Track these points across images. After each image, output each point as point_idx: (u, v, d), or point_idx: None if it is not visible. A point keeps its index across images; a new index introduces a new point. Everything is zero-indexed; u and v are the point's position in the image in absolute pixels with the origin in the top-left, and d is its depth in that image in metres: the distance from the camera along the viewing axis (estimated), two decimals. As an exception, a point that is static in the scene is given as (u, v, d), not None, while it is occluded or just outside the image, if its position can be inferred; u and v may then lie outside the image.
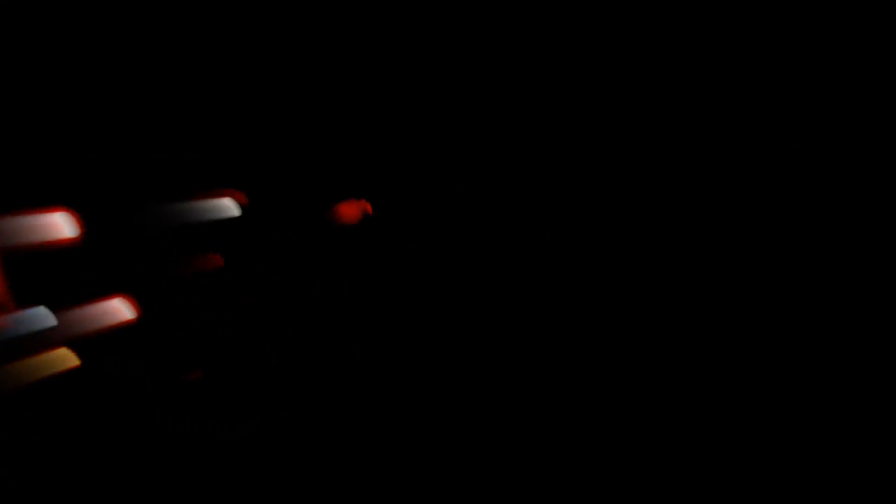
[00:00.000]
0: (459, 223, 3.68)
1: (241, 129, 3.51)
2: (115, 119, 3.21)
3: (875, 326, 3.26)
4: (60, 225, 2.78)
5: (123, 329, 2.98)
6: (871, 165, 3.30)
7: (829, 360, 3.28)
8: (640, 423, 3.35)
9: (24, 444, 2.74)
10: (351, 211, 3.55)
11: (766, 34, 3.38)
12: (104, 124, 3.21)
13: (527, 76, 3.64)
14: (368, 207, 3.58)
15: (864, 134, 3.31)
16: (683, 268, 3.54)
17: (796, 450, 3.15)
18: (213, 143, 3.46)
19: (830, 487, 3.04)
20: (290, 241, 3.52)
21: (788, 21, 3.34)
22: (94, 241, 2.89)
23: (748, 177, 3.48)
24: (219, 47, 3.42)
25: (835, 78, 3.33)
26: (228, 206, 3.36)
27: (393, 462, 3.29)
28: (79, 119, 3.10)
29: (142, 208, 3.12)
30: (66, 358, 2.78)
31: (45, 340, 2.70)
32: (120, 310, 2.98)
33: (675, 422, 3.32)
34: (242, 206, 3.37)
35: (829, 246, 3.36)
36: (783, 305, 3.39)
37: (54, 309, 2.75)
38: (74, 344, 2.82)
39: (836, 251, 3.35)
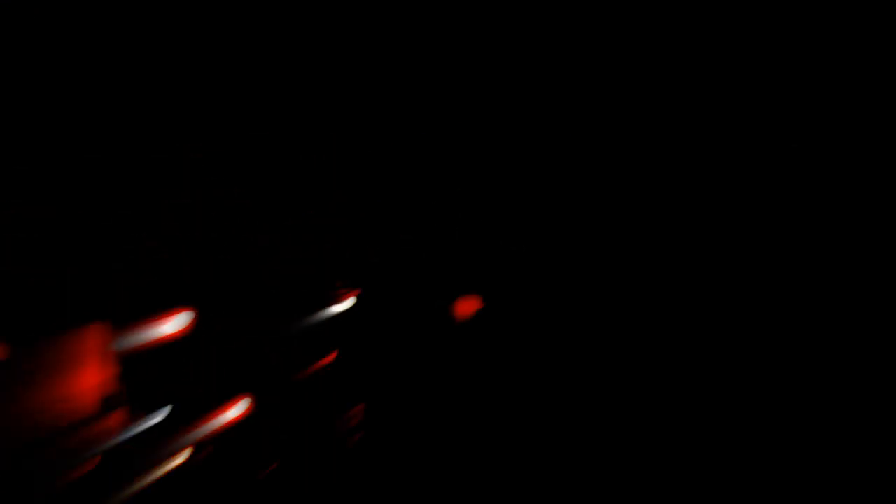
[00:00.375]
0: (423, 236, 3.71)
1: (241, 130, 3.50)
2: (112, 120, 3.20)
3: (874, 325, 3.28)
4: (175, 325, 2.90)
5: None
6: (871, 165, 3.32)
7: (829, 359, 3.30)
8: (630, 425, 3.38)
9: None
10: (467, 307, 3.70)
11: (766, 35, 3.39)
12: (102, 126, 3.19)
13: (488, 92, 3.67)
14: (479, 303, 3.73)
15: (864, 134, 3.32)
16: (678, 269, 3.55)
17: (797, 449, 3.17)
18: (213, 144, 3.45)
19: (830, 487, 3.06)
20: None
21: (788, 21, 3.35)
22: (210, 340, 3.00)
23: (748, 177, 3.49)
24: (219, 48, 3.41)
25: (835, 78, 3.34)
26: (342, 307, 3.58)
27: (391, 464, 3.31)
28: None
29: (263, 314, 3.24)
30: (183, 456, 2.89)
31: (164, 442, 2.80)
32: (236, 409, 3.11)
33: (676, 422, 3.34)
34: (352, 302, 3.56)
35: (829, 245, 3.38)
36: (783, 304, 3.41)
37: (173, 411, 2.85)
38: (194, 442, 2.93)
39: (835, 250, 3.37)
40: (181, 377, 3.04)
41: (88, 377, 2.58)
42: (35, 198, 2.93)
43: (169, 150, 3.33)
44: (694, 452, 3.25)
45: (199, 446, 3.00)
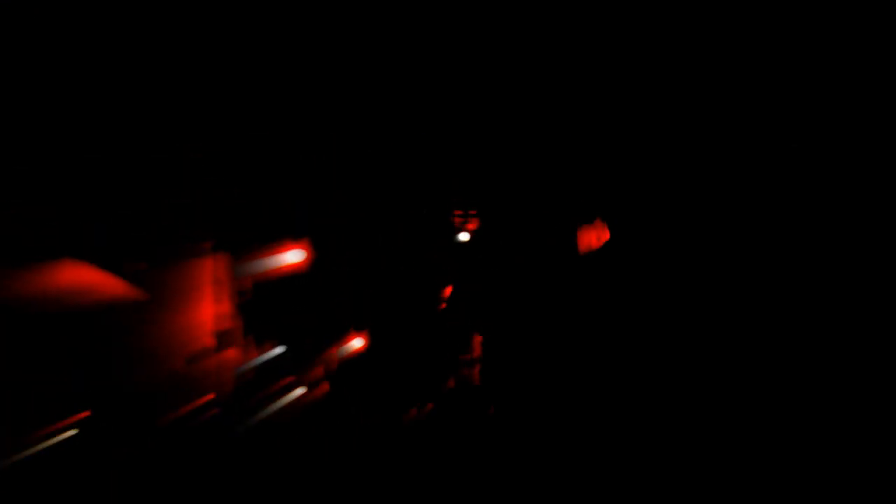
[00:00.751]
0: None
1: (242, 129, 3.46)
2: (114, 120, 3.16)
3: (875, 326, 3.24)
4: (290, 259, 2.85)
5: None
6: (871, 165, 3.29)
7: (831, 359, 3.28)
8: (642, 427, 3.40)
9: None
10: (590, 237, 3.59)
11: (766, 35, 3.36)
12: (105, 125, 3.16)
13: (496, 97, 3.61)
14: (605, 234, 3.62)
15: (864, 134, 3.29)
16: (679, 269, 3.55)
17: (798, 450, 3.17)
18: (213, 144, 3.42)
19: (830, 487, 3.05)
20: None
21: (790, 21, 3.31)
22: (325, 275, 2.95)
23: (748, 177, 3.48)
24: (220, 48, 3.35)
25: (835, 78, 3.31)
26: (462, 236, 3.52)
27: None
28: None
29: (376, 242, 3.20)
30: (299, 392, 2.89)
31: (281, 376, 2.79)
32: (354, 344, 3.08)
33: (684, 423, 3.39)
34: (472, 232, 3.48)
35: (830, 245, 3.36)
36: (784, 304, 3.38)
37: (291, 348, 2.83)
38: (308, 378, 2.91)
39: (836, 250, 3.34)
40: (299, 311, 3.04)
41: (207, 308, 2.59)
42: (35, 198, 2.92)
43: (169, 150, 3.31)
44: (695, 453, 3.26)
45: (316, 382, 3.01)
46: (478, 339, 3.52)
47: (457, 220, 3.60)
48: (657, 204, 3.57)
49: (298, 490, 2.75)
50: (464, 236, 3.60)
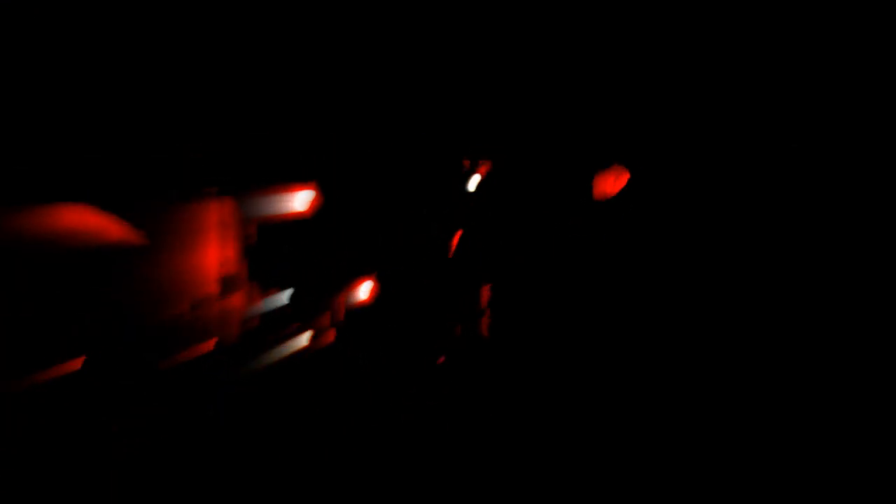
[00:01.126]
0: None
1: (242, 129, 3.49)
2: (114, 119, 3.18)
3: (875, 326, 3.22)
4: (298, 202, 2.79)
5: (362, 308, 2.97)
6: (871, 165, 3.30)
7: (831, 360, 3.26)
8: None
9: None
10: (609, 184, 3.50)
11: (766, 35, 3.39)
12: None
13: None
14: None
15: (864, 134, 3.31)
16: (681, 268, 3.54)
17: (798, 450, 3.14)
18: (213, 144, 3.44)
19: (830, 488, 3.01)
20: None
21: (789, 21, 3.35)
22: (333, 219, 2.88)
23: (748, 177, 3.48)
24: (220, 47, 3.42)
25: (835, 78, 3.33)
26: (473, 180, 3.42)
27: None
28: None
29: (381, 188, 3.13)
30: (306, 339, 2.80)
31: (285, 322, 2.70)
32: (362, 291, 2.99)
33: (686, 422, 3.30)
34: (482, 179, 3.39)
35: (830, 245, 3.35)
36: (783, 305, 3.36)
37: (297, 291, 2.76)
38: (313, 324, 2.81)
39: (836, 251, 3.34)
40: (306, 256, 2.96)
41: (212, 252, 2.53)
42: (35, 198, 2.90)
43: (169, 150, 3.32)
44: (695, 453, 3.21)
45: (323, 328, 2.91)
46: (486, 289, 3.44)
47: (467, 165, 3.55)
48: (677, 148, 3.48)
49: (302, 438, 2.65)
50: (474, 182, 3.53)
